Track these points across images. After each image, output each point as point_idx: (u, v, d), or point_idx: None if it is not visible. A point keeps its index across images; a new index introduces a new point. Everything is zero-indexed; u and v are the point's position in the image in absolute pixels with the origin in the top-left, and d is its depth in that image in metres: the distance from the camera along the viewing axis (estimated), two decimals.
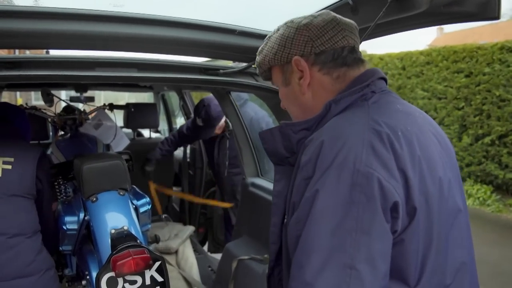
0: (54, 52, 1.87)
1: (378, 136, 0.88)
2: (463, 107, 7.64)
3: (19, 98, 13.11)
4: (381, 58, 9.06)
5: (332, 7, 1.48)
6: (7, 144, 1.87)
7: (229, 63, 2.11)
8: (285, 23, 1.11)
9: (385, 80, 1.10)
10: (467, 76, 7.54)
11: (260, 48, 1.16)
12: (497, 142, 7.22)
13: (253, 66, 1.88)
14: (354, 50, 1.08)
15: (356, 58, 1.08)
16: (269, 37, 1.14)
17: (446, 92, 7.86)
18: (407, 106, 1.05)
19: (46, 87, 2.72)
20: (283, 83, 1.13)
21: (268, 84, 1.90)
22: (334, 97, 1.01)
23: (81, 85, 3.41)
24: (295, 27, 1.08)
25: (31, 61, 1.53)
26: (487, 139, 7.29)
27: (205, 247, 4.07)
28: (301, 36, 1.06)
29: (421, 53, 8.45)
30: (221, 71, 1.81)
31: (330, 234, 0.82)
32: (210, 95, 3.20)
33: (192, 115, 3.66)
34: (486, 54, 7.24)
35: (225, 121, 3.10)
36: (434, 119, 7.87)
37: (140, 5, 1.59)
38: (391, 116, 0.96)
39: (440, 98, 7.99)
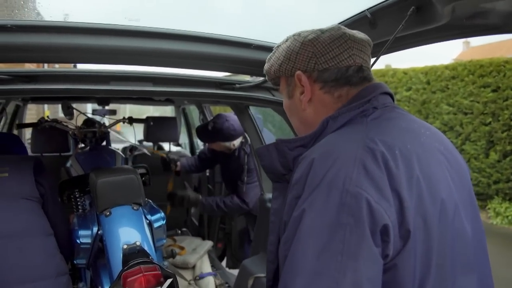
0: (66, 66, 1.88)
1: (371, 154, 0.84)
2: (490, 123, 7.45)
3: (46, 110, 13.42)
4: (405, 72, 8.94)
5: (350, 21, 1.45)
6: (2, 159, 1.91)
7: (247, 78, 2.10)
8: (294, 35, 1.09)
9: (391, 95, 1.06)
10: (494, 90, 7.37)
11: (268, 56, 1.15)
12: None
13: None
14: (361, 69, 1.04)
15: (362, 77, 1.04)
16: (278, 46, 1.12)
17: (472, 107, 7.68)
18: (413, 123, 1.00)
19: (68, 100, 2.75)
20: (287, 95, 1.12)
21: None
22: (332, 114, 0.98)
23: (103, 99, 3.46)
24: (300, 41, 1.04)
25: (47, 75, 1.54)
26: None
27: (224, 263, 4.02)
28: (306, 52, 1.03)
29: (446, 67, 8.30)
30: (237, 85, 1.80)
31: (315, 257, 0.78)
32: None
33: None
34: None
35: (243, 136, 3.07)
36: (459, 134, 7.81)
37: (155, 19, 1.60)
38: (390, 134, 0.91)
39: (466, 113, 7.81)
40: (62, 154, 3.32)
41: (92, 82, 1.57)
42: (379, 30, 1.33)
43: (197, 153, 3.93)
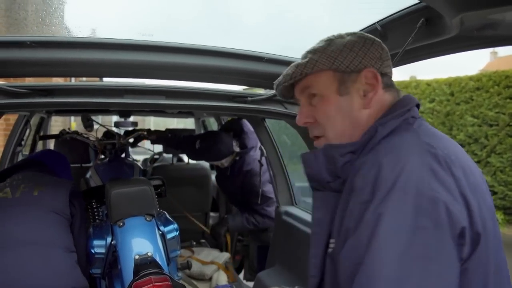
0: (92, 80, 1.94)
1: (436, 159, 0.85)
2: None
3: (73, 122, 13.70)
4: (428, 84, 8.82)
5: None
6: (43, 177, 2.05)
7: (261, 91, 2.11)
8: (355, 33, 1.06)
9: (418, 107, 1.07)
10: None
11: (317, 47, 1.05)
12: None
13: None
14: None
15: (394, 86, 1.07)
16: (331, 39, 1.06)
17: (498, 118, 7.52)
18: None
19: (89, 112, 2.82)
20: (337, 92, 1.03)
21: (297, 111, 1.87)
22: (381, 120, 0.97)
23: (124, 111, 3.52)
24: (371, 40, 1.05)
25: (62, 88, 1.59)
26: None
27: (241, 275, 4.01)
28: (376, 51, 1.03)
29: (470, 78, 8.17)
30: (249, 98, 1.81)
31: (397, 262, 0.77)
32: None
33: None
34: None
35: (260, 148, 3.04)
36: (485, 147, 7.64)
37: (168, 34, 1.63)
38: (440, 141, 0.92)
39: (491, 125, 7.65)
40: (83, 165, 3.39)
41: (106, 95, 1.61)
42: (389, 42, 1.32)
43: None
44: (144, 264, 1.69)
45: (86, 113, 2.74)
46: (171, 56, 1.59)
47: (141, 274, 1.57)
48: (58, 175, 2.25)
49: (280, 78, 1.09)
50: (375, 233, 0.78)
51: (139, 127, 3.96)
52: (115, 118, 8.63)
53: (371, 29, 1.38)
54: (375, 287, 0.76)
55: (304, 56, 1.06)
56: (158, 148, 4.07)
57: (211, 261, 3.50)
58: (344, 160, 0.96)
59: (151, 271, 1.58)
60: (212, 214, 4.34)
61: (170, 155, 4.36)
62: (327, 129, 1.04)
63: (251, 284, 3.68)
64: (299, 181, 3.47)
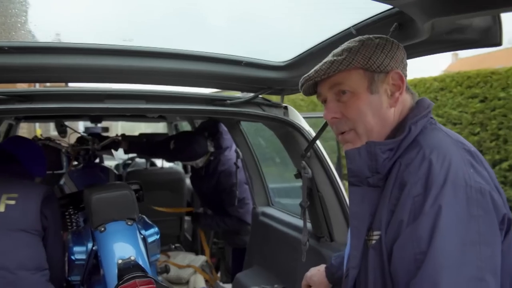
0: (73, 85, 1.93)
1: (471, 155, 0.96)
2: (478, 133, 7.55)
3: (37, 129, 13.35)
4: None
5: (336, 37, 1.51)
6: (12, 182, 1.91)
7: (237, 93, 2.14)
8: (381, 37, 1.12)
9: None
10: (482, 101, 7.48)
11: (349, 46, 1.10)
12: None
13: (260, 96, 1.90)
14: None
15: (410, 88, 1.15)
16: (362, 40, 1.11)
17: (461, 117, 7.79)
18: None
19: (60, 118, 2.78)
20: (368, 90, 1.08)
21: (275, 114, 1.91)
22: (412, 120, 1.04)
23: (96, 116, 3.48)
24: (397, 43, 1.11)
25: (42, 94, 1.57)
26: (504, 165, 7.18)
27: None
28: (401, 54, 1.10)
29: (434, 79, 8.43)
30: (228, 101, 1.84)
31: (458, 249, 0.85)
32: None
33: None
34: (500, 79, 7.20)
35: (235, 151, 3.05)
36: None
37: (149, 39, 1.63)
38: (462, 139, 1.03)
39: (455, 124, 7.92)
40: (55, 172, 3.33)
41: (87, 100, 1.61)
42: None
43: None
44: (128, 268, 1.69)
45: (60, 119, 2.70)
46: (152, 60, 1.60)
47: (125, 278, 1.57)
48: (30, 170, 2.10)
49: (311, 73, 1.12)
50: (437, 225, 0.86)
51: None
52: (81, 124, 8.48)
53: (347, 33, 1.44)
54: (442, 275, 0.84)
55: (339, 54, 1.10)
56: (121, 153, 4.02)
57: (187, 264, 3.51)
58: (384, 157, 1.02)
59: (135, 274, 1.58)
60: (186, 218, 4.33)
61: (143, 160, 4.33)
62: (358, 124, 1.09)
63: (228, 286, 3.70)
64: (273, 183, 3.52)
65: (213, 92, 2.39)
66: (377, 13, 1.33)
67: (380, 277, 0.98)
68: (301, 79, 1.17)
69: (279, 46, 1.89)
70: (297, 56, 1.73)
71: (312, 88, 1.19)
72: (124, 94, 1.68)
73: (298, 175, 1.95)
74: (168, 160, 3.61)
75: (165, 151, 3.09)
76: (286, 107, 1.98)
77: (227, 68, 1.73)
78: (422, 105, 1.09)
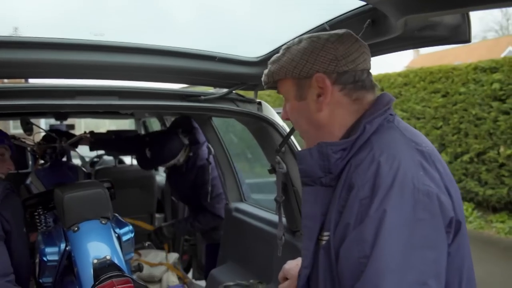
0: (33, 81, 1.86)
1: (422, 155, 0.94)
2: (441, 126, 7.79)
3: None
4: None
5: (310, 33, 1.52)
6: None
7: (210, 89, 2.13)
8: (310, 37, 1.08)
9: None
10: (443, 96, 7.71)
11: (275, 58, 1.12)
12: (475, 159, 7.35)
13: (234, 91, 1.90)
14: (370, 74, 1.10)
15: (372, 82, 1.09)
16: (288, 47, 1.10)
17: (424, 112, 8.01)
18: None
19: (25, 115, 2.69)
20: (296, 97, 1.09)
21: (249, 109, 1.92)
22: (368, 118, 1.01)
23: (61, 113, 3.39)
24: (322, 43, 1.05)
25: (10, 90, 1.52)
26: (466, 157, 7.43)
27: (190, 274, 4.00)
28: (327, 54, 1.04)
29: (398, 74, 8.64)
30: (202, 97, 1.82)
31: (401, 253, 0.84)
32: None
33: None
34: (461, 75, 7.44)
35: (207, 147, 3.04)
36: None
37: (120, 34, 1.60)
38: (420, 137, 1.02)
39: (418, 118, 8.14)
40: (20, 171, 3.22)
41: (56, 97, 1.56)
42: None
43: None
44: (103, 268, 1.65)
45: (25, 116, 2.61)
46: (124, 56, 1.57)
47: (101, 279, 1.53)
48: None
49: (263, 78, 1.18)
50: (380, 229, 0.84)
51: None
52: (43, 121, 8.23)
53: (320, 29, 1.45)
54: (384, 280, 0.82)
55: (272, 62, 1.13)
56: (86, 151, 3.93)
57: (159, 262, 3.47)
58: (336, 157, 1.00)
59: (111, 274, 1.55)
60: (157, 215, 4.29)
61: (111, 158, 4.25)
62: (296, 128, 1.15)
63: (200, 282, 3.69)
64: (247, 178, 3.53)
65: (183, 87, 2.37)
66: (350, 9, 1.35)
67: (329, 278, 0.97)
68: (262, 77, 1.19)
69: (252, 41, 1.89)
70: (270, 52, 1.73)
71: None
72: (96, 90, 1.64)
73: (272, 170, 1.96)
74: (150, 168, 3.55)
75: (144, 161, 3.07)
76: (260, 103, 1.99)
77: (201, 63, 1.71)
78: (381, 102, 1.06)
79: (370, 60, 1.09)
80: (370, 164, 0.91)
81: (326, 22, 1.44)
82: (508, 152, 6.87)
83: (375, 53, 1.50)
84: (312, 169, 1.03)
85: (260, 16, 1.85)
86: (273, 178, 1.94)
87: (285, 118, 1.18)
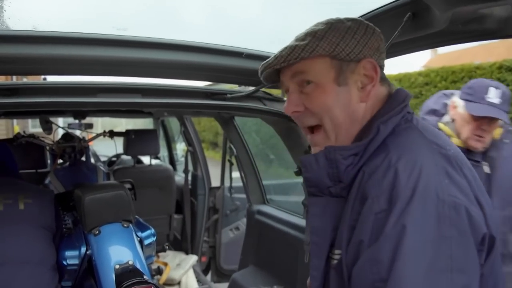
0: (54, 78, 1.80)
1: (447, 160, 0.80)
2: None
3: (16, 125, 13.02)
4: None
5: None
6: (20, 186, 1.90)
7: (235, 87, 2.05)
8: (354, 19, 0.95)
9: None
10: None
11: (314, 30, 0.93)
12: None
13: (261, 89, 1.82)
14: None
15: (387, 79, 0.99)
16: (330, 23, 0.94)
17: None
18: None
19: (44, 114, 2.65)
20: (335, 81, 0.92)
21: (277, 108, 1.83)
22: (382, 118, 0.89)
23: (79, 112, 3.35)
24: (372, 28, 0.94)
25: (31, 87, 1.46)
26: None
27: (208, 277, 3.94)
28: (376, 42, 0.94)
29: (419, 74, 8.49)
30: (228, 95, 1.75)
31: (424, 278, 0.71)
32: None
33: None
34: (485, 74, 7.27)
35: (229, 147, 2.98)
36: None
37: (144, 28, 1.53)
38: (442, 139, 0.88)
39: None
40: (38, 170, 3.19)
41: (79, 94, 1.50)
42: None
43: None
44: (126, 273, 1.58)
45: (44, 114, 2.57)
46: (146, 51, 1.50)
47: (124, 285, 1.47)
48: (14, 171, 2.06)
49: (271, 59, 0.97)
50: (399, 248, 0.72)
51: None
52: (61, 120, 8.26)
53: None
54: None
55: (302, 38, 0.93)
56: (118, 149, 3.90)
57: (177, 264, 3.43)
58: (346, 163, 0.87)
59: (134, 280, 1.49)
60: (176, 216, 4.23)
61: (129, 157, 4.21)
62: (325, 119, 0.93)
63: (219, 285, 3.62)
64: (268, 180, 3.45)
65: (207, 85, 2.30)
66: (390, 1, 1.26)
67: None
68: (260, 66, 1.02)
69: (281, 37, 1.81)
70: None
71: (274, 76, 1.03)
72: (118, 88, 1.57)
73: (299, 172, 1.87)
74: None
75: None
76: None
77: (227, 59, 1.63)
78: (397, 98, 0.93)
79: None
80: (386, 172, 0.79)
81: (362, 16, 1.35)
82: None
83: (414, 49, 1.41)
84: (319, 177, 0.90)
85: (290, 11, 1.77)
86: (287, 180, 1.85)
87: (292, 112, 0.98)
